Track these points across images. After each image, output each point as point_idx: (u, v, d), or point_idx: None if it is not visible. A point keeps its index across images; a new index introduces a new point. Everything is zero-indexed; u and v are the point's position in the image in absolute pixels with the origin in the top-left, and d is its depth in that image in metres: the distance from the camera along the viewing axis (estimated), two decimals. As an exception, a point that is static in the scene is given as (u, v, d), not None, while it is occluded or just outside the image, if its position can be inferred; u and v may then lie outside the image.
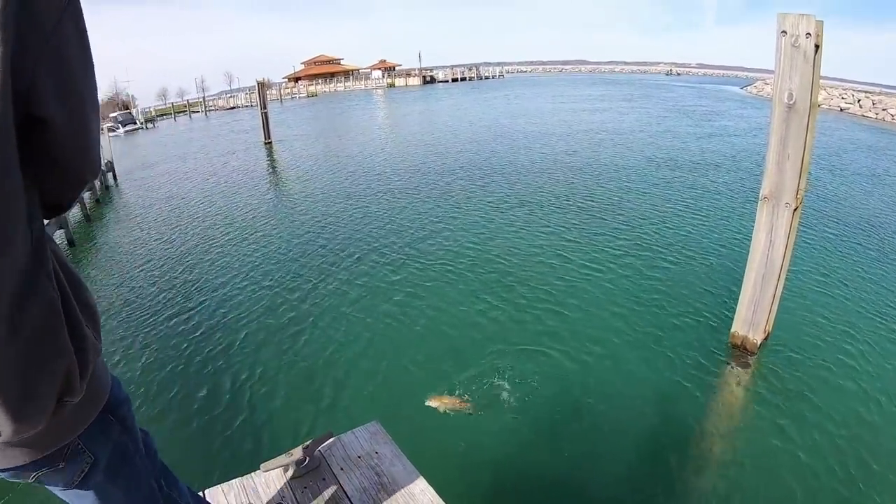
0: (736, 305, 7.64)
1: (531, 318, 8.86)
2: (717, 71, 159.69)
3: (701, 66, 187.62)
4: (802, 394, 6.68)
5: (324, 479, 2.81)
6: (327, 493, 2.72)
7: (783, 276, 7.14)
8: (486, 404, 6.66)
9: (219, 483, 2.94)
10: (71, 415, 1.38)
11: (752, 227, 7.21)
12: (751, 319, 7.41)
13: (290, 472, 2.84)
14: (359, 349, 8.26)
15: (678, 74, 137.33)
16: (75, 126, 1.17)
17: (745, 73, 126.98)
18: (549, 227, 13.34)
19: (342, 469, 2.85)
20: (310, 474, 2.85)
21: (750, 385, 7.11)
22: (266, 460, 2.87)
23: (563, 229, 13.08)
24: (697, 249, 11.42)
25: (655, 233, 12.49)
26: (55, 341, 1.24)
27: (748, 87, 70.21)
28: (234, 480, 2.93)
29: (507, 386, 6.99)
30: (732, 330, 7.69)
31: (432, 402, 6.57)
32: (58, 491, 1.59)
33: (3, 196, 1.04)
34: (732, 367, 7.37)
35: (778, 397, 6.65)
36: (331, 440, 3.04)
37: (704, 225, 13.00)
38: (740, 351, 7.56)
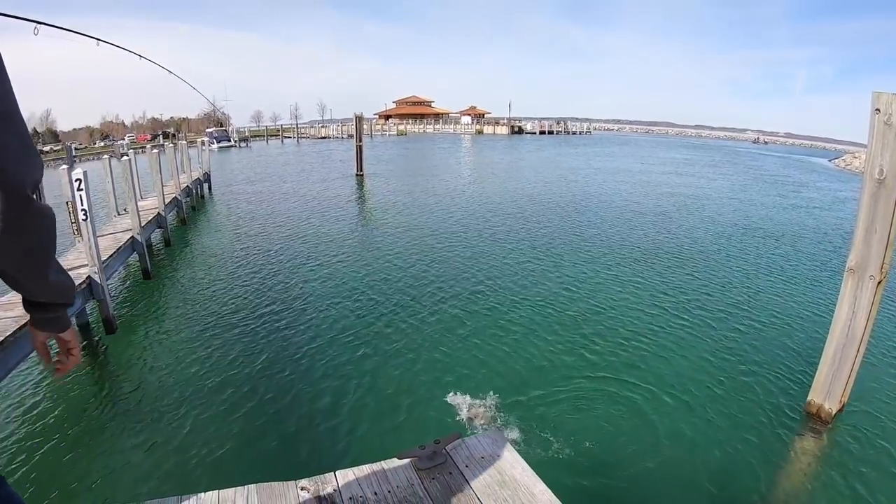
0: (814, 374, 7.70)
1: (615, 358, 9.26)
2: (804, 141, 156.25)
3: (789, 135, 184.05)
4: (874, 469, 6.64)
5: (450, 474, 3.22)
6: (454, 486, 3.12)
7: (863, 349, 7.18)
8: (577, 430, 7.03)
9: (350, 467, 3.37)
10: None
11: (833, 298, 7.32)
12: (828, 389, 7.44)
13: (419, 464, 3.26)
14: (478, 369, 8.93)
15: (765, 143, 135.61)
16: None
17: (834, 146, 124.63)
18: (638, 279, 13.68)
19: (467, 466, 3.25)
20: (437, 468, 3.26)
21: (822, 456, 7.09)
22: (399, 451, 3.31)
23: (650, 283, 13.37)
24: (779, 316, 11.44)
25: (740, 295, 12.59)
26: None
27: (836, 161, 68.66)
28: (364, 466, 3.36)
29: (591, 413, 7.48)
30: (809, 398, 7.71)
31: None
32: None
33: None
34: (805, 436, 7.40)
35: (849, 471, 6.62)
36: (457, 441, 3.46)
37: (787, 293, 12.97)
38: (814, 420, 7.57)
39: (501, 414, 7.42)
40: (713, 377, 8.70)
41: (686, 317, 11.19)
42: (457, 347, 9.71)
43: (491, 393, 8.03)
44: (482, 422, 7.16)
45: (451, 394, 7.99)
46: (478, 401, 7.77)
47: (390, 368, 8.90)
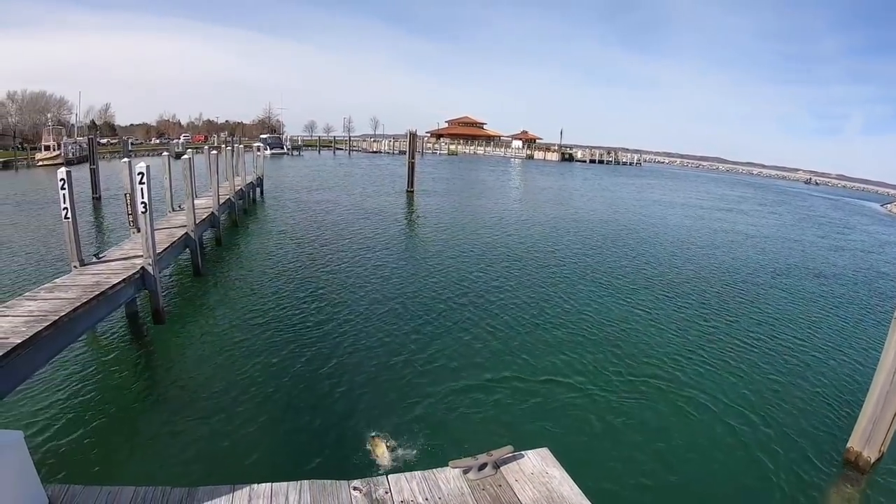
0: (855, 419, 7.54)
1: (665, 385, 9.31)
2: (856, 184, 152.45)
3: (841, 177, 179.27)
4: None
5: (500, 486, 3.32)
6: (504, 498, 3.22)
7: (909, 398, 7.07)
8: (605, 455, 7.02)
9: (402, 472, 3.50)
10: None
11: (879, 343, 7.17)
12: (868, 437, 7.26)
13: (470, 474, 3.37)
14: (533, 384, 9.03)
15: (817, 184, 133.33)
16: None
17: (887, 190, 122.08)
18: (691, 310, 13.69)
19: (517, 481, 3.36)
20: (487, 479, 3.37)
21: (859, 504, 6.97)
22: (451, 460, 3.42)
23: (704, 314, 13.38)
24: (824, 356, 11.32)
25: (781, 335, 12.44)
26: None
27: (889, 205, 67.34)
28: (416, 472, 3.49)
29: (636, 437, 7.41)
30: (848, 445, 7.54)
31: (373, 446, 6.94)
32: None
33: None
34: (842, 484, 7.22)
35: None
36: (508, 455, 3.56)
37: (833, 334, 12.82)
38: (852, 467, 7.39)
39: (550, 430, 7.50)
40: (756, 413, 8.59)
41: (722, 354, 11.05)
42: (509, 364, 9.77)
43: (542, 410, 8.13)
44: (529, 436, 7.19)
45: (500, 407, 8.12)
46: (527, 415, 7.90)
47: (441, 378, 9.01)
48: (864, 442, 7.35)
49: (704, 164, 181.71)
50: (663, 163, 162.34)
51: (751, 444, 7.83)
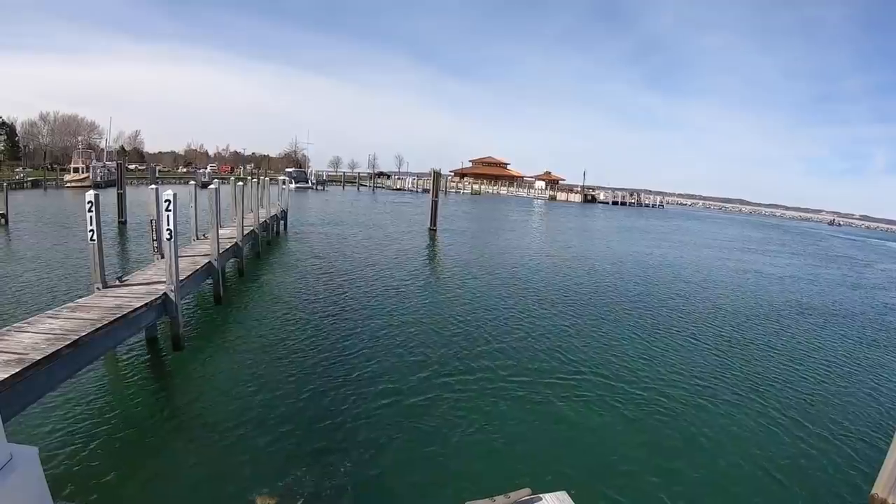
0: (880, 464, 7.25)
1: (671, 434, 8.97)
2: (882, 224, 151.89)
3: (864, 217, 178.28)
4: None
5: (516, 529, 3.25)
6: (520, 541, 3.15)
7: (936, 442, 6.82)
8: None
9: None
10: None
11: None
12: (894, 483, 7.00)
13: (487, 515, 3.31)
14: (553, 425, 8.89)
15: (839, 225, 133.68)
16: None
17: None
18: (706, 351, 13.41)
19: (533, 524, 3.29)
20: (504, 521, 3.30)
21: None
22: (470, 500, 3.36)
23: (717, 357, 13.07)
24: (846, 399, 11.02)
25: (803, 375, 12.20)
26: None
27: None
28: (432, 511, 3.42)
29: (653, 482, 7.15)
30: (873, 491, 7.18)
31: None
32: None
33: None
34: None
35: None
36: (526, 497, 3.49)
37: (852, 377, 12.47)
38: None
39: (571, 472, 7.31)
40: (777, 458, 8.34)
41: (741, 397, 10.71)
42: (529, 403, 9.63)
43: (563, 452, 7.99)
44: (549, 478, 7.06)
45: (519, 446, 7.99)
46: (547, 456, 7.77)
47: (459, 417, 8.88)
48: (888, 488, 7.07)
49: (727, 205, 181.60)
50: (686, 205, 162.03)
51: (772, 489, 7.61)
